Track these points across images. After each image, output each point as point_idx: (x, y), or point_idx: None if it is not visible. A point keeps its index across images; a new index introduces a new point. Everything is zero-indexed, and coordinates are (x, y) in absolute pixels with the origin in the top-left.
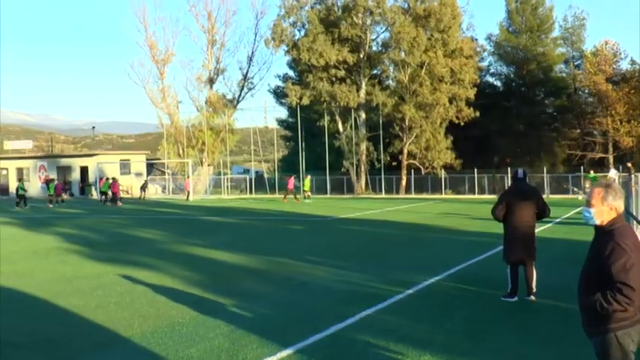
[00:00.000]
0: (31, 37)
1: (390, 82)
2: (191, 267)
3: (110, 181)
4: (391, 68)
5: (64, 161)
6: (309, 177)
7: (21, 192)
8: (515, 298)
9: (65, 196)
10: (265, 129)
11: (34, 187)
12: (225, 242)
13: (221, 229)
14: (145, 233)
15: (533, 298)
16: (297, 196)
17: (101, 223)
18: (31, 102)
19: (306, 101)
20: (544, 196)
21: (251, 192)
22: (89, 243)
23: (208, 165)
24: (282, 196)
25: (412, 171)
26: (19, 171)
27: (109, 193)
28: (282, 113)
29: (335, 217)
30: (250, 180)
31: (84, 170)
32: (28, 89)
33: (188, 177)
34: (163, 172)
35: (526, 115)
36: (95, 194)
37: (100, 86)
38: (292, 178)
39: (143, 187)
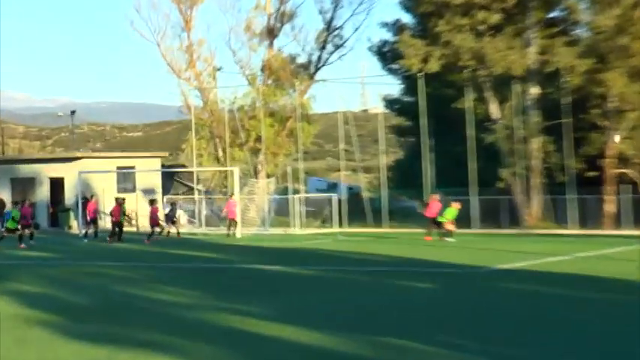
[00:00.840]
0: None
1: (583, 32)
2: (240, 351)
3: (93, 199)
4: (583, 6)
5: (24, 169)
6: (457, 204)
7: None
8: None
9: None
10: (364, 115)
11: None
12: (297, 310)
13: (290, 286)
14: (158, 292)
15: None
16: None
17: (86, 275)
18: None
19: (434, 67)
20: None
21: (341, 222)
22: (65, 308)
23: (267, 176)
24: (427, 230)
25: (624, 187)
26: None
27: (91, 217)
28: (394, 88)
29: (489, 267)
30: (339, 202)
31: (57, 184)
32: None
33: (232, 196)
34: (190, 189)
35: None
36: (75, 225)
37: (86, 45)
38: (434, 199)
39: (171, 217)
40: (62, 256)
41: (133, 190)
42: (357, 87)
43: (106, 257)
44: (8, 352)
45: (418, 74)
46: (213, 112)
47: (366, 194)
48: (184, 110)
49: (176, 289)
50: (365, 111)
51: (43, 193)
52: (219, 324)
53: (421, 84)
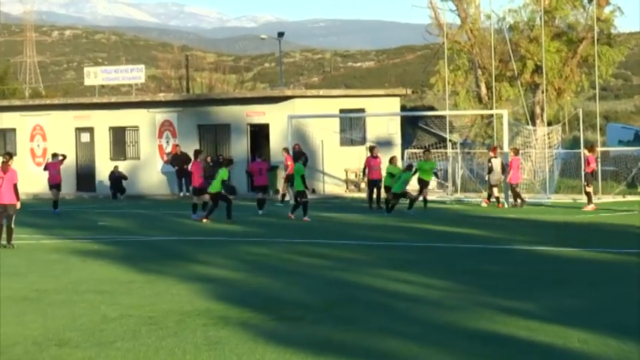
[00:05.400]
0: None
1: None
2: None
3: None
4: None
5: (216, 113)
6: None
7: None
8: None
9: None
10: None
11: None
12: (587, 308)
13: (578, 275)
14: (395, 282)
15: None
16: None
17: (299, 256)
18: None
19: None
20: None
21: None
22: (271, 302)
23: (549, 123)
24: None
25: None
26: None
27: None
28: None
29: None
30: None
31: (259, 133)
32: None
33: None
34: (441, 140)
35: None
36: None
37: None
38: None
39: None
40: (265, 231)
41: (363, 141)
42: None
43: (325, 233)
44: (196, 358)
45: None
46: (475, 33)
47: None
48: (433, 31)
49: (419, 278)
50: None
51: (242, 145)
52: (478, 327)
53: None
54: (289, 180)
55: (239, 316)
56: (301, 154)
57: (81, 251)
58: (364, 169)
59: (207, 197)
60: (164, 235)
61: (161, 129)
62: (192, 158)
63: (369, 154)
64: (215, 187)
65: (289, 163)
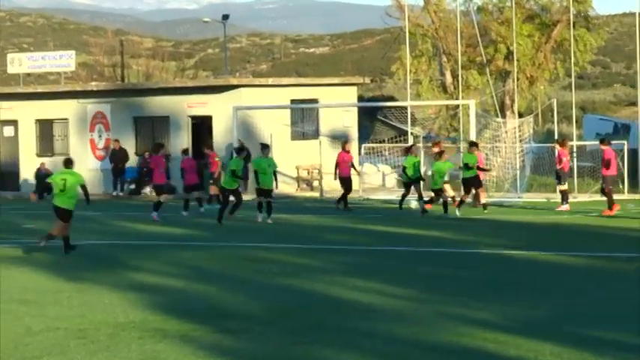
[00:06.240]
0: None
1: None
2: None
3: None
4: None
5: (154, 104)
6: None
7: None
8: None
9: None
10: None
11: None
12: (555, 316)
13: (546, 281)
14: (351, 290)
15: None
16: None
17: (245, 261)
18: None
19: None
20: None
21: (635, 185)
22: (214, 313)
23: (521, 114)
24: None
25: None
26: None
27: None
28: None
29: None
30: (633, 154)
31: (201, 126)
32: None
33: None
34: (402, 133)
35: None
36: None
37: None
38: None
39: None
40: (207, 234)
41: (316, 135)
42: None
43: (274, 237)
44: None
45: None
46: (439, 16)
47: None
48: (394, 13)
49: (377, 285)
50: None
51: (182, 139)
52: (442, 340)
53: None
54: (218, 180)
55: (178, 328)
56: (242, 150)
57: (3, 257)
58: (336, 165)
59: (164, 197)
60: (96, 239)
61: (93, 122)
62: (152, 152)
63: (340, 149)
64: (227, 182)
65: (216, 160)
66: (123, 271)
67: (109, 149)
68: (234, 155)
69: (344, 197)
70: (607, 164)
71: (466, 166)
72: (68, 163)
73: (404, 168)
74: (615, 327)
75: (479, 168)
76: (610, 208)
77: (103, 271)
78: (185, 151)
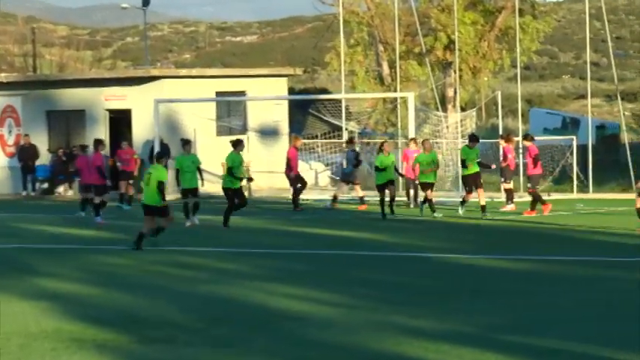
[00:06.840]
0: None
1: None
2: None
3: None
4: None
5: (68, 97)
6: None
7: None
8: None
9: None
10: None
11: None
12: (492, 323)
13: (485, 285)
14: (276, 297)
15: None
16: None
17: (163, 266)
18: None
19: None
20: None
21: (584, 183)
22: (132, 321)
23: (463, 108)
24: None
25: None
26: None
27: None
28: None
29: None
30: (582, 150)
31: (120, 121)
32: None
33: (413, 141)
34: (336, 128)
35: None
36: None
37: None
38: None
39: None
40: (125, 238)
41: (243, 130)
42: None
43: (197, 240)
44: None
45: None
46: (375, 2)
47: (627, 136)
48: None
49: (309, 292)
50: None
51: (99, 134)
52: (382, 349)
53: None
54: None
55: (95, 337)
56: (187, 142)
57: None
58: (288, 162)
59: (107, 197)
60: (4, 243)
61: (2, 116)
62: (93, 149)
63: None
64: (228, 182)
65: (134, 157)
66: (33, 277)
67: (19, 145)
68: (186, 153)
69: (298, 194)
70: (535, 161)
71: (463, 163)
72: None
73: (377, 167)
74: (559, 334)
75: (480, 164)
76: (533, 209)
77: (11, 277)
78: (83, 148)
